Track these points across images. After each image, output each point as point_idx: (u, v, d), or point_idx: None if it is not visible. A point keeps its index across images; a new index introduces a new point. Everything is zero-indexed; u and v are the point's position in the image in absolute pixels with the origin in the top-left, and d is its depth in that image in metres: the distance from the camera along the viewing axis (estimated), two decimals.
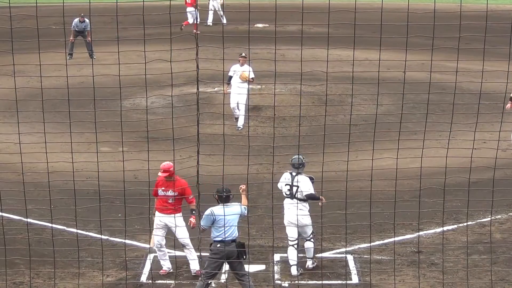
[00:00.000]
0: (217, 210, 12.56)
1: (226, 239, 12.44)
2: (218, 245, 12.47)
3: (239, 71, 23.65)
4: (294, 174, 14.04)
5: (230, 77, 23.78)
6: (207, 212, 12.56)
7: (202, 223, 12.58)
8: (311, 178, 14.07)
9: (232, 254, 12.45)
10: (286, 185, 14.07)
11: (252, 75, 23.53)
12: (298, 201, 13.84)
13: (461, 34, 10.53)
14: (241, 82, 23.49)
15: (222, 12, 38.52)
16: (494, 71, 12.33)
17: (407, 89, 11.66)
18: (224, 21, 36.24)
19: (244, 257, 12.53)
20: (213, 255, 12.53)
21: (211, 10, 39.56)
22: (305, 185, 13.96)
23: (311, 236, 14.18)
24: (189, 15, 38.14)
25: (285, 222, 14.11)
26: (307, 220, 14.03)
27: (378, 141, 11.29)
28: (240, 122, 24.13)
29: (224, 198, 12.60)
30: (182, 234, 13.79)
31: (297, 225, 13.76)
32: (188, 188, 13.73)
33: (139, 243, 15.18)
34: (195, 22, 34.25)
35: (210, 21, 39.86)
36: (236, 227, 12.57)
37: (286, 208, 14.05)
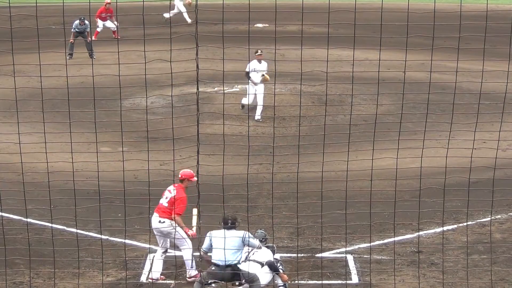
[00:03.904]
0: (216, 232, 12.60)
1: (220, 263, 12.41)
2: (213, 268, 12.50)
3: (258, 68, 23.97)
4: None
5: (248, 73, 23.83)
6: (207, 234, 12.64)
7: (203, 246, 12.62)
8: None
9: (226, 277, 12.48)
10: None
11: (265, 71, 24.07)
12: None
13: (461, 34, 10.53)
14: (261, 82, 24.05)
15: (186, 12, 37.28)
16: (494, 71, 12.34)
17: (407, 89, 11.67)
18: (189, 20, 36.01)
19: (237, 283, 12.54)
20: (208, 273, 12.58)
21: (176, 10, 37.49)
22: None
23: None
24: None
25: None
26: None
27: (378, 141, 11.29)
28: (258, 113, 24.11)
29: (228, 225, 12.57)
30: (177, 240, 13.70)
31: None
32: (183, 201, 13.61)
33: (139, 243, 15.17)
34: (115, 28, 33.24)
35: (168, 15, 35.73)
36: (237, 253, 12.46)
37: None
